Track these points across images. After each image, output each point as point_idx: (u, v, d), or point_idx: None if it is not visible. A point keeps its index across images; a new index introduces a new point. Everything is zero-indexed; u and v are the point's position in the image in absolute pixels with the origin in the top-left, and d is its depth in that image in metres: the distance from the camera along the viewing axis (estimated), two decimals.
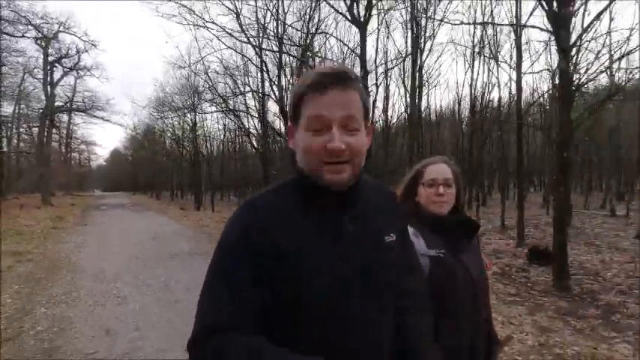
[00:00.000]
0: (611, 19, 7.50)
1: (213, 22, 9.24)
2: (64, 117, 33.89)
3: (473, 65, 13.74)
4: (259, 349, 0.69)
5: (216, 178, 25.78)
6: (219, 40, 10.41)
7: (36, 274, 6.14)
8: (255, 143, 15.10)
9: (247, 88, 13.53)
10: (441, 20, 8.91)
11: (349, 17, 7.73)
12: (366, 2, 7.54)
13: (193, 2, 12.60)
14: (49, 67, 24.96)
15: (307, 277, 0.74)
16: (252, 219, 0.77)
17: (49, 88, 24.85)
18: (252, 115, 14.36)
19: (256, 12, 9.75)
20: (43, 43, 23.57)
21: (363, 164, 0.81)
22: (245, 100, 14.59)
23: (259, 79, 11.74)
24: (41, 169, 24.44)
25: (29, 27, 21.74)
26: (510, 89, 18.04)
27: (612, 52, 6.18)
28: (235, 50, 10.97)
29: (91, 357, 3.16)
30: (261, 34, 9.78)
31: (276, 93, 10.48)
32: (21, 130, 33.19)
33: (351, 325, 0.77)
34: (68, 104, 29.19)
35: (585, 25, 5.25)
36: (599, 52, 5.13)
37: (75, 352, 3.25)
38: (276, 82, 10.75)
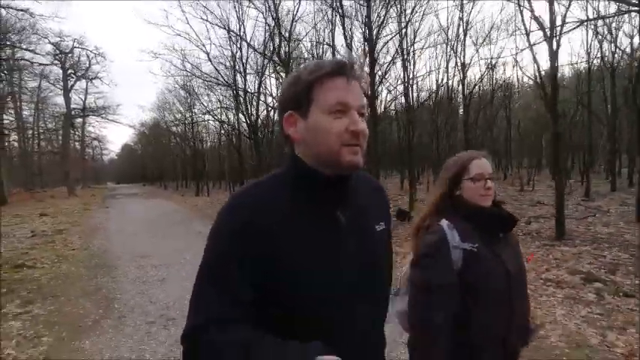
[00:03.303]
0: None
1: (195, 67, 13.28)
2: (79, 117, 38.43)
3: None
4: (254, 339, 0.70)
5: (213, 169, 30.00)
6: (200, 71, 14.35)
7: (85, 231, 10.25)
8: (236, 140, 19.06)
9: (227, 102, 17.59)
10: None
11: (277, 60, 11.59)
12: (285, 50, 11.43)
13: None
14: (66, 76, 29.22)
15: (301, 269, 0.75)
16: (242, 214, 0.77)
17: (68, 95, 29.15)
18: (228, 124, 18.42)
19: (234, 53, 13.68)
20: (62, 58, 27.64)
21: None
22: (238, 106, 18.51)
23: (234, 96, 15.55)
24: (65, 165, 28.82)
25: (48, 44, 25.84)
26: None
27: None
28: (209, 78, 14.87)
29: (120, 253, 7.21)
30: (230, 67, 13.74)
31: (243, 109, 14.47)
32: (40, 131, 37.84)
33: (344, 313, 0.79)
34: (84, 109, 33.40)
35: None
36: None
37: (117, 252, 7.32)
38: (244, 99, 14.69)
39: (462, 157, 1.38)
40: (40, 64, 23.31)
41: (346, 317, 0.79)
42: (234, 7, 12.32)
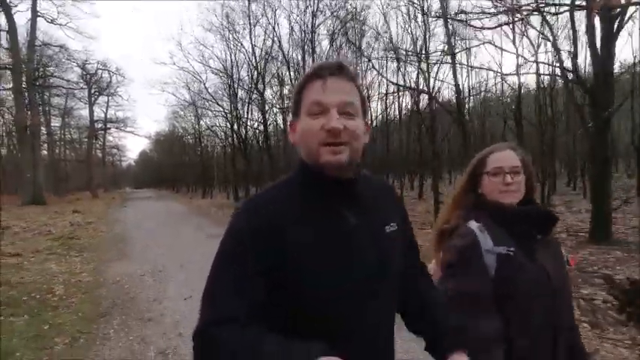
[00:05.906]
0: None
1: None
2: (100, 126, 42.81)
3: None
4: (262, 339, 0.71)
5: (219, 175, 33.50)
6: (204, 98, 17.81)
7: (107, 223, 13.59)
8: (231, 151, 22.43)
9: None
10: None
11: (257, 91, 14.84)
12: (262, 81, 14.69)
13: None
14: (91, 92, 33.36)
15: (310, 267, 0.76)
16: (254, 215, 0.79)
17: (92, 109, 33.25)
18: (226, 138, 21.93)
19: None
20: (88, 78, 31.75)
21: (361, 154, 0.83)
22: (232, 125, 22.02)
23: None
24: (89, 172, 32.78)
25: (77, 67, 29.99)
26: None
27: None
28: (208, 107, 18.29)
29: (133, 234, 10.43)
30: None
31: (236, 127, 17.87)
32: (67, 140, 42.31)
33: (352, 314, 0.79)
34: (106, 121, 37.58)
35: None
36: None
37: (131, 233, 10.55)
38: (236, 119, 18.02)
39: (484, 150, 1.26)
40: (70, 89, 27.24)
41: (356, 313, 0.79)
42: (228, 47, 15.86)
